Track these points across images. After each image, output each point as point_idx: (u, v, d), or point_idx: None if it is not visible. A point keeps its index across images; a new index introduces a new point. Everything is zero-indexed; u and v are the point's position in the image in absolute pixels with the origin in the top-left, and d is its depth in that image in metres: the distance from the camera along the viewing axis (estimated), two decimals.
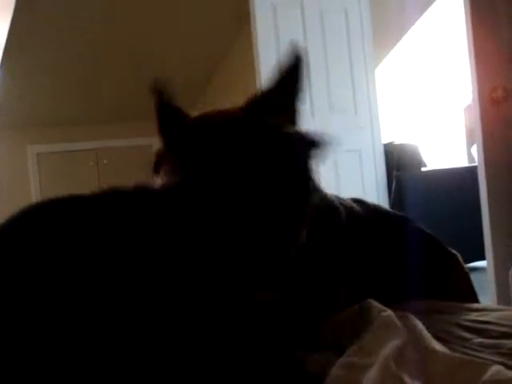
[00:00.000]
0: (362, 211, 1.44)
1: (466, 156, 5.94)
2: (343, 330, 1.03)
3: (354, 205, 1.45)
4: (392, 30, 5.06)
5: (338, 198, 1.48)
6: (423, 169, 4.82)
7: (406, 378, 0.80)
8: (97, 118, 5.27)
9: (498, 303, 3.13)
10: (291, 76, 1.19)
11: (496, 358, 0.90)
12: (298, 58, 1.19)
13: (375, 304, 1.06)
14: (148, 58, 4.98)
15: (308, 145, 1.08)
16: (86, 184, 4.83)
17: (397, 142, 4.72)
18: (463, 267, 1.43)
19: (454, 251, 1.45)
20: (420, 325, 0.99)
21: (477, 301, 1.41)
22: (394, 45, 5.20)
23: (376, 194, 4.39)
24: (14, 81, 4.72)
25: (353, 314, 1.06)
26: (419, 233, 1.49)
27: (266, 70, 3.90)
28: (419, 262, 1.38)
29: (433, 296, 1.32)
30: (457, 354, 0.90)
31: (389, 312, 1.01)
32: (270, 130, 1.04)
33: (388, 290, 1.30)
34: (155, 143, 4.09)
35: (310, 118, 4.16)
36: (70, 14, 4.37)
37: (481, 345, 0.99)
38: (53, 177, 5.26)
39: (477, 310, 1.21)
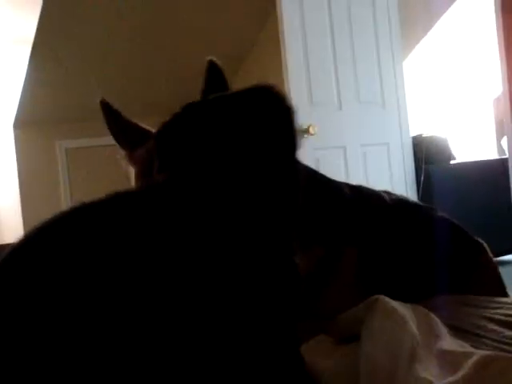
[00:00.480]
0: (389, 199, 1.45)
1: (496, 148, 5.87)
2: (357, 323, 1.02)
3: (383, 193, 1.47)
4: (420, 21, 5.01)
5: (362, 186, 1.51)
6: (452, 162, 4.77)
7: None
8: (124, 112, 5.29)
9: None
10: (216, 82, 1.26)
11: None
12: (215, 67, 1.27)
13: (384, 299, 1.04)
14: (175, 54, 4.99)
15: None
16: (114, 178, 4.84)
17: (425, 134, 4.67)
18: (489, 255, 1.42)
19: (480, 240, 1.45)
20: (437, 324, 0.98)
21: (504, 288, 1.40)
22: (423, 36, 5.14)
23: (404, 187, 4.35)
24: (42, 76, 4.77)
25: (364, 308, 1.05)
26: (445, 221, 1.48)
27: (293, 64, 3.89)
28: (445, 250, 1.37)
29: (459, 284, 1.31)
30: (482, 352, 0.88)
31: (394, 307, 0.99)
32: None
33: (414, 280, 1.30)
34: None
35: (338, 111, 4.13)
36: (100, 7, 4.40)
37: None
38: (81, 172, 5.31)
39: (507, 303, 1.19)
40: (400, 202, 1.49)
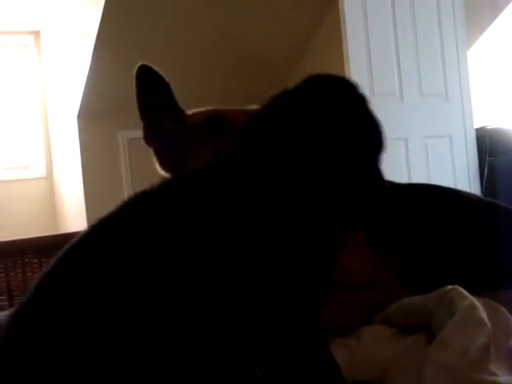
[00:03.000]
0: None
1: None
2: (426, 313, 1.00)
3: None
4: (486, 10, 4.88)
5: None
6: None
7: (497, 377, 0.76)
8: (184, 102, 5.33)
9: None
10: None
11: None
12: None
13: (459, 290, 1.02)
14: (233, 44, 5.00)
15: None
16: None
17: (490, 126, 4.56)
18: None
19: None
20: (509, 321, 0.95)
21: None
22: (488, 25, 5.01)
23: (467, 180, 4.26)
24: (105, 67, 4.84)
25: (436, 299, 1.03)
26: (495, 206, 1.44)
27: (355, 55, 3.84)
28: (507, 248, 1.33)
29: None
30: None
31: (471, 301, 0.97)
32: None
33: (478, 275, 1.27)
34: None
35: (399, 103, 4.08)
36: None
37: None
38: (143, 162, 5.36)
39: None
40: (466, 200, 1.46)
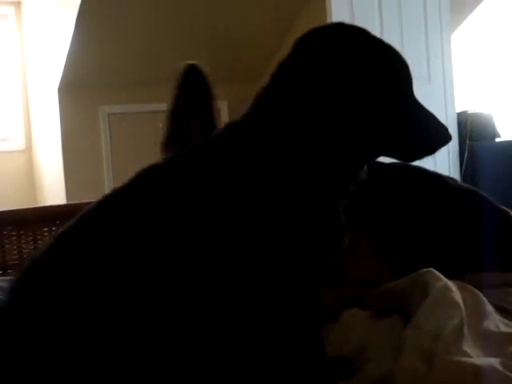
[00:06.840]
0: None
1: None
2: (402, 295, 1.02)
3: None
4: None
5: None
6: (498, 139, 4.68)
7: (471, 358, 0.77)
8: (167, 79, 5.29)
9: None
10: None
11: None
12: None
13: (433, 273, 1.03)
14: (217, 22, 4.96)
15: None
16: (154, 145, 4.82)
17: (470, 110, 4.59)
18: None
19: None
20: (483, 303, 0.96)
21: None
22: (473, 9, 5.02)
23: (447, 164, 4.29)
24: (87, 41, 4.78)
25: (411, 282, 1.04)
26: (489, 205, 1.46)
27: None
28: (488, 232, 1.35)
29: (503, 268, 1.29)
30: None
31: (445, 282, 0.98)
32: None
33: (459, 259, 1.28)
34: (224, 106, 4.09)
35: None
36: None
37: None
38: (123, 137, 5.34)
39: None
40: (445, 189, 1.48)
